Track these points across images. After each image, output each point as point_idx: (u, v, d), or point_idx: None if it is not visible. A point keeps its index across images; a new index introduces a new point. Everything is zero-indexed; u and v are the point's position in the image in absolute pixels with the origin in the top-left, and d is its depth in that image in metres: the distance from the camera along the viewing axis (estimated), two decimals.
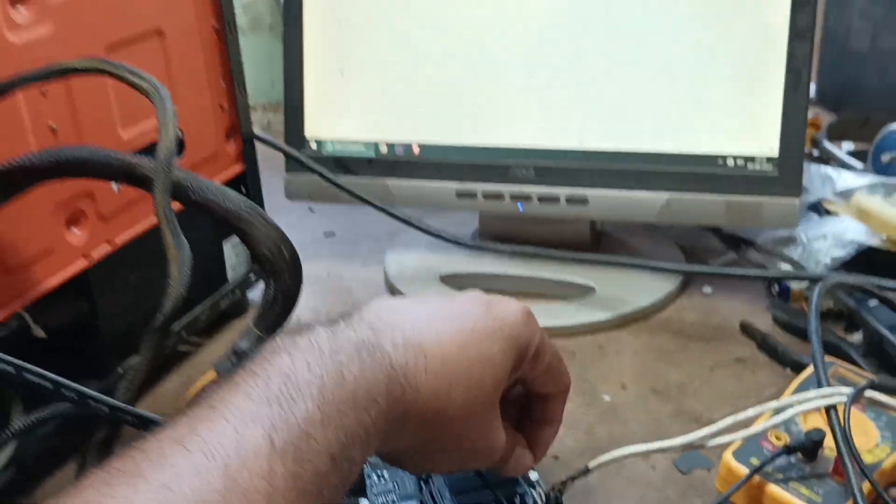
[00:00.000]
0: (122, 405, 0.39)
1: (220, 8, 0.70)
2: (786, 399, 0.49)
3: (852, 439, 0.46)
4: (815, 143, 0.93)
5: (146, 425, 0.41)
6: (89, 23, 0.59)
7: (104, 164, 0.48)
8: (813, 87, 1.18)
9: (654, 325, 0.72)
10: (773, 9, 0.67)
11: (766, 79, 0.68)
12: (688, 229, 0.83)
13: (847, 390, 0.48)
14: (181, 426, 0.32)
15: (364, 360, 0.37)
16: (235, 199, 0.51)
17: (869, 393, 0.49)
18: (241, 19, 1.33)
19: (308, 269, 0.85)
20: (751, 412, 0.48)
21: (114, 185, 0.61)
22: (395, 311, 0.42)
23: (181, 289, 0.42)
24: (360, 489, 0.52)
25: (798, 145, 0.68)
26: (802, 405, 0.48)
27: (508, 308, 0.45)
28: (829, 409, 0.47)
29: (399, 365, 0.39)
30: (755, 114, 0.69)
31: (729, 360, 0.67)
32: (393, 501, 0.52)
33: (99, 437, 0.42)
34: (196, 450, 0.31)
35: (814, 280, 0.59)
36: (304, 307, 0.79)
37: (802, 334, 0.67)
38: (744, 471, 0.49)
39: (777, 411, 0.48)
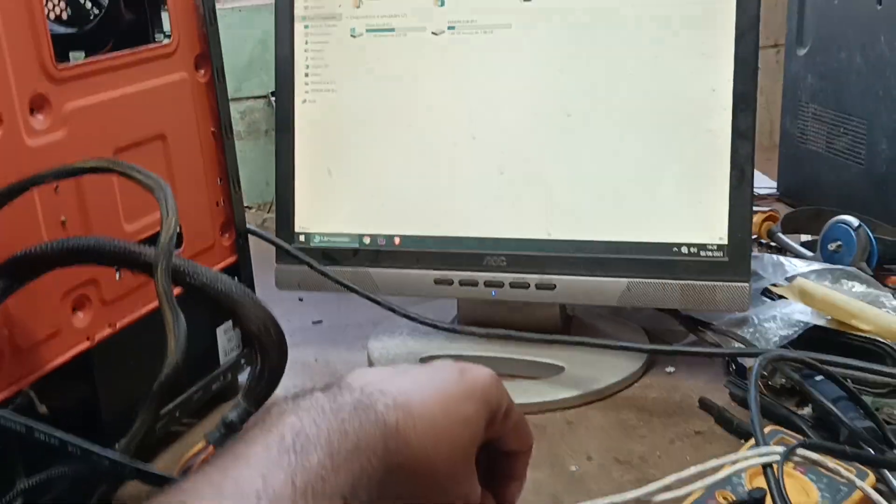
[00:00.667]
0: (122, 459, 0.44)
1: (218, 114, 0.78)
2: (726, 458, 0.53)
3: (787, 493, 0.50)
4: (771, 235, 0.99)
5: (143, 478, 0.46)
6: (99, 128, 0.65)
7: (111, 252, 0.54)
8: (775, 185, 1.26)
9: (619, 401, 0.77)
10: (716, 114, 0.75)
11: (713, 175, 0.75)
12: (652, 314, 0.89)
13: (781, 450, 0.52)
14: (213, 473, 0.37)
15: (361, 418, 0.42)
16: (227, 283, 0.57)
17: (803, 452, 0.54)
18: (239, 125, 1.42)
19: (297, 355, 0.90)
20: (693, 470, 0.53)
21: (116, 274, 0.67)
22: (382, 378, 0.47)
23: (178, 356, 0.48)
24: None
25: (745, 234, 0.74)
26: (740, 463, 0.52)
27: (479, 373, 0.50)
28: (766, 468, 0.52)
29: (391, 423, 0.44)
30: (705, 206, 0.75)
31: (688, 433, 0.71)
32: None
33: (100, 491, 0.47)
34: (230, 490, 0.36)
35: (756, 355, 0.64)
36: (294, 390, 0.84)
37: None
38: None
39: (717, 469, 0.52)
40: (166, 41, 0.74)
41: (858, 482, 0.55)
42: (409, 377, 0.48)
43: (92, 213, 0.65)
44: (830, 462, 0.54)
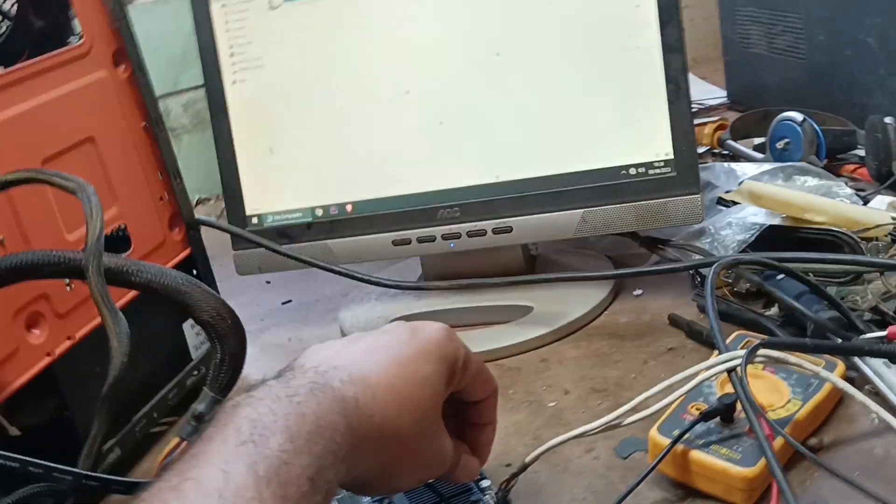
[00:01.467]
0: (84, 472, 0.43)
1: (146, 108, 0.76)
2: (690, 370, 0.54)
3: (753, 394, 0.51)
4: (722, 143, 0.99)
5: (108, 487, 0.45)
6: (23, 140, 0.64)
7: (44, 264, 0.53)
8: (723, 93, 1.26)
9: (591, 331, 0.77)
10: (643, 30, 0.74)
11: (649, 93, 0.74)
12: (615, 240, 0.89)
13: (743, 353, 0.53)
14: (172, 476, 0.36)
15: (318, 397, 0.42)
16: (173, 276, 0.57)
17: (765, 351, 0.54)
18: (184, 118, 1.40)
19: (270, 338, 0.91)
20: (661, 386, 0.53)
21: (67, 286, 0.66)
22: (334, 354, 0.47)
23: (122, 357, 0.47)
24: None
25: (689, 146, 0.74)
26: (702, 374, 0.52)
27: (431, 330, 0.50)
28: (731, 373, 0.52)
29: (350, 398, 0.43)
30: (646, 125, 0.75)
31: (661, 351, 0.72)
32: None
33: None
34: (191, 490, 0.35)
35: (710, 264, 0.64)
36: (271, 373, 0.84)
37: (724, 317, 0.72)
38: (668, 442, 0.54)
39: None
40: (79, 42, 0.72)
41: (825, 374, 0.55)
42: (361, 347, 0.48)
43: (29, 227, 0.64)
44: (793, 357, 0.54)
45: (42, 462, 0.43)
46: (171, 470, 0.37)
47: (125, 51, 0.75)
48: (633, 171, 0.76)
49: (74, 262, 0.52)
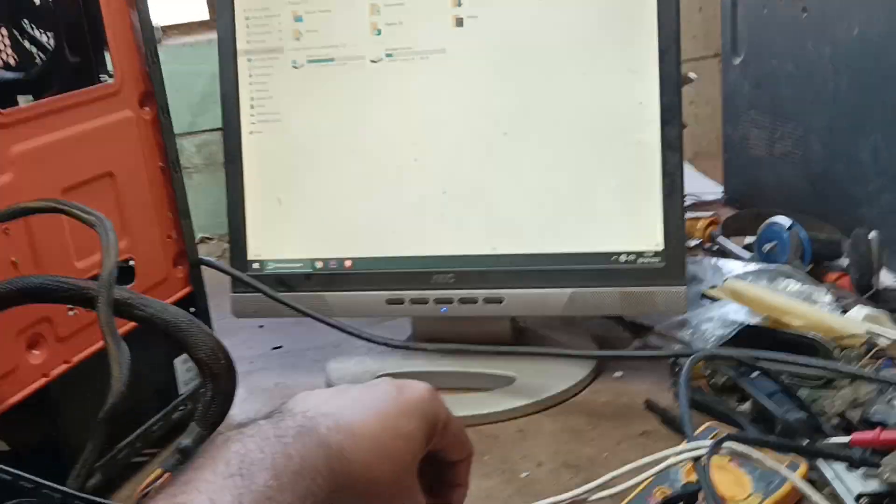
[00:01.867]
0: (73, 491, 0.45)
1: (165, 149, 0.80)
2: (659, 454, 0.56)
3: (715, 485, 0.53)
4: (712, 238, 1.02)
5: None
6: (46, 169, 0.67)
7: (57, 290, 0.55)
8: (720, 189, 1.30)
9: (569, 407, 0.80)
10: (645, 126, 0.78)
11: (645, 185, 0.78)
12: (601, 322, 0.91)
13: (710, 443, 0.55)
14: (161, 500, 0.38)
15: (305, 441, 0.44)
16: (174, 312, 0.59)
17: (731, 444, 0.56)
18: (196, 158, 1.44)
19: (257, 381, 0.93)
20: (629, 466, 0.55)
21: (70, 311, 0.68)
22: (323, 401, 0.49)
23: (122, 385, 0.49)
24: None
25: (679, 240, 0.78)
26: (670, 459, 0.55)
27: (416, 389, 0.52)
28: (696, 461, 0.55)
29: (334, 445, 0.45)
30: (640, 215, 0.78)
31: (635, 434, 0.74)
32: None
33: None
34: None
35: (688, 355, 0.67)
36: (254, 416, 0.86)
37: (699, 407, 0.74)
38: None
39: (651, 465, 0.55)
40: (110, 81, 0.76)
41: (787, 472, 0.57)
42: (348, 398, 0.50)
43: (43, 252, 0.66)
44: (757, 453, 0.56)
45: (33, 478, 0.45)
46: (161, 493, 0.39)
47: (153, 93, 0.79)
48: (623, 258, 0.79)
49: (84, 291, 0.55)
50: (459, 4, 0.82)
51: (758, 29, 1.17)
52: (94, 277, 0.70)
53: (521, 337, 0.89)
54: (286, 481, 0.41)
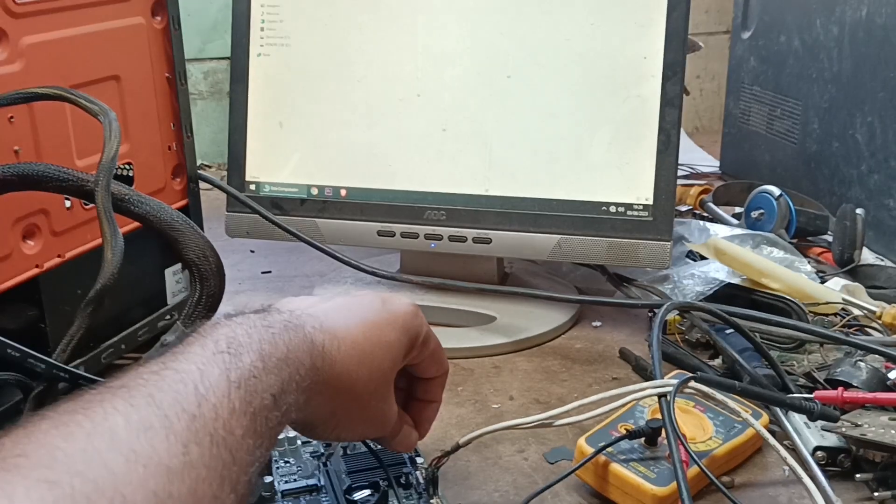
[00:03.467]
0: (58, 363, 0.47)
1: (173, 60, 0.80)
2: (624, 389, 0.58)
3: (676, 421, 0.55)
4: (703, 205, 1.04)
5: (77, 383, 0.49)
6: (54, 64, 0.68)
7: (57, 177, 0.57)
8: (717, 163, 1.32)
9: (546, 350, 0.81)
10: (646, 81, 0.79)
11: (641, 139, 0.79)
12: (585, 273, 0.93)
13: (675, 382, 0.57)
14: (154, 365, 0.40)
15: (291, 334, 0.46)
16: (170, 212, 0.61)
17: (696, 385, 0.58)
18: (202, 85, 1.45)
19: (243, 301, 0.94)
20: (594, 398, 0.57)
21: (66, 203, 0.70)
22: (310, 305, 0.51)
23: (113, 267, 0.51)
24: (267, 471, 0.60)
25: (669, 196, 0.79)
26: (636, 394, 0.57)
27: (400, 303, 0.54)
28: (661, 398, 0.56)
29: (318, 343, 0.47)
30: (632, 168, 0.80)
31: (606, 379, 0.76)
32: (295, 480, 0.60)
33: (35, 392, 0.50)
34: (170, 377, 0.39)
35: (660, 306, 0.68)
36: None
37: (671, 360, 0.76)
38: (592, 451, 0.58)
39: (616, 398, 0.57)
40: None
41: (747, 417, 0.59)
42: (334, 304, 0.52)
43: (44, 144, 0.67)
44: (721, 396, 0.58)
45: (20, 347, 0.46)
46: (154, 360, 0.40)
47: (164, 3, 0.79)
48: (613, 208, 0.80)
49: (82, 182, 0.56)
50: None
51: (770, 5, 1.17)
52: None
53: (505, 281, 0.91)
54: (271, 365, 0.43)
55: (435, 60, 0.84)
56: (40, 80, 0.66)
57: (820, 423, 0.62)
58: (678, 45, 0.78)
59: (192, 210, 0.84)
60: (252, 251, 1.05)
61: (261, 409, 0.41)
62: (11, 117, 0.64)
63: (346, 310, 0.51)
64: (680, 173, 1.17)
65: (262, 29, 0.89)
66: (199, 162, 1.37)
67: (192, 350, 0.41)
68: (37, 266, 0.68)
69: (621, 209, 0.80)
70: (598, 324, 0.86)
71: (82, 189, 0.60)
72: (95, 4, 0.73)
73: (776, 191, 0.94)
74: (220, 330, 0.44)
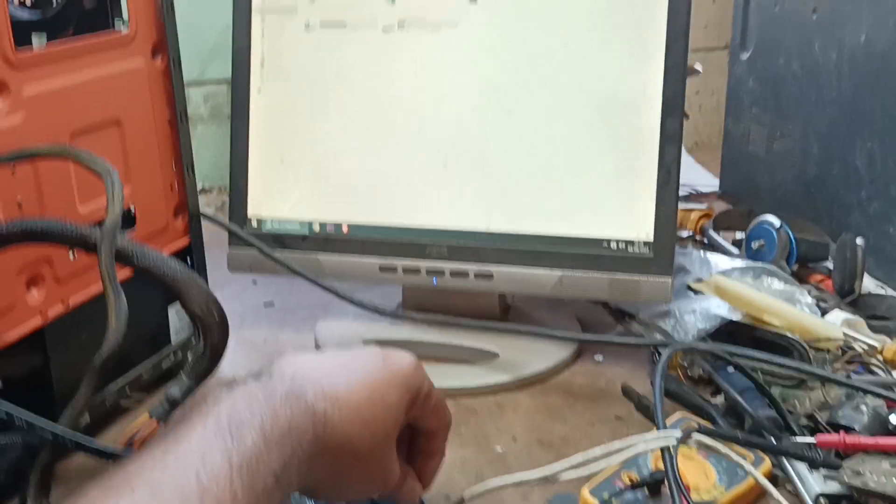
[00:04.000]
0: (65, 430, 0.47)
1: (174, 100, 0.81)
2: (629, 440, 0.58)
3: (681, 474, 0.55)
4: (703, 232, 1.04)
5: (85, 450, 0.49)
6: (56, 112, 0.68)
7: (62, 233, 0.57)
8: (717, 182, 1.32)
9: (548, 386, 0.82)
10: (646, 116, 0.79)
11: (641, 174, 0.79)
12: (586, 305, 0.93)
13: (679, 433, 0.57)
14: (156, 450, 0.41)
15: (293, 405, 0.46)
16: (173, 265, 0.61)
17: (699, 437, 0.58)
18: (202, 109, 1.45)
19: (247, 335, 0.95)
20: (597, 451, 0.57)
21: (70, 254, 0.70)
22: (310, 366, 0.51)
23: (118, 335, 0.51)
24: None
25: (670, 231, 0.79)
26: (639, 446, 0.57)
27: (401, 360, 0.54)
28: (663, 450, 0.57)
29: (320, 411, 0.48)
30: (633, 204, 0.80)
31: (609, 417, 0.76)
32: None
33: (41, 460, 0.50)
34: (172, 466, 0.39)
35: (666, 346, 0.69)
36: (242, 369, 0.87)
37: (673, 396, 0.76)
38: (596, 502, 0.58)
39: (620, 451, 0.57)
40: (125, 29, 0.77)
41: (749, 468, 0.60)
42: (335, 364, 0.52)
43: (47, 194, 0.68)
44: (724, 447, 0.58)
45: (29, 415, 0.47)
46: (152, 445, 0.41)
47: (165, 43, 0.79)
48: (613, 244, 0.81)
49: (86, 237, 0.57)
50: None
51: (768, 26, 1.17)
52: (98, 223, 0.71)
53: (507, 313, 0.91)
54: (273, 443, 0.43)
55: (436, 97, 0.84)
56: (42, 130, 0.67)
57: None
58: (677, 79, 0.79)
59: (194, 249, 0.85)
60: (254, 282, 1.06)
61: (263, 490, 0.41)
62: (14, 170, 0.64)
63: (346, 370, 0.52)
64: (680, 194, 1.17)
65: (262, 64, 0.89)
66: (199, 186, 1.37)
67: (193, 433, 0.41)
68: (41, 315, 0.68)
69: (622, 245, 0.80)
70: (600, 358, 0.86)
71: (86, 243, 0.60)
72: (96, 50, 0.73)
73: (776, 221, 0.95)
74: (222, 406, 0.44)
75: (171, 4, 0.79)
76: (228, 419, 0.43)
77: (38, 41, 0.72)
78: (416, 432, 0.58)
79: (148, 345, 0.81)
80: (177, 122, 0.82)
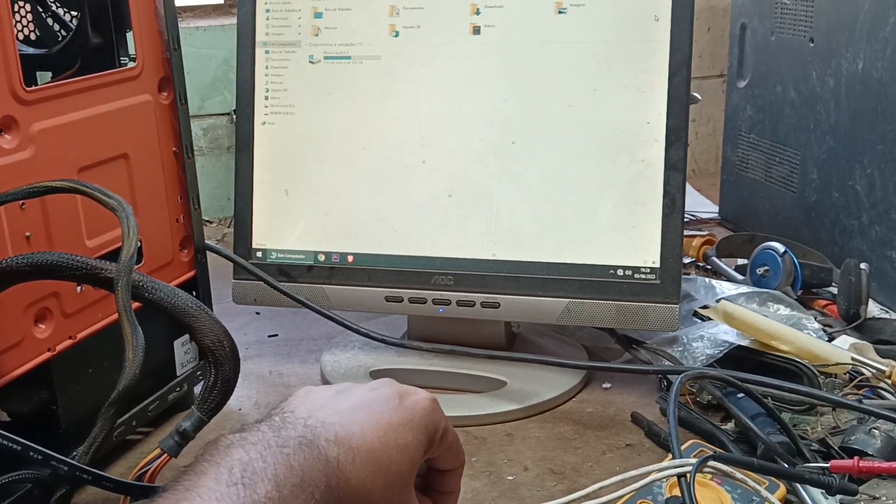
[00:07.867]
0: (80, 465, 0.47)
1: (180, 135, 0.81)
2: (644, 469, 0.58)
3: (696, 501, 0.55)
4: (706, 258, 1.04)
5: (99, 483, 0.49)
6: (64, 148, 0.69)
7: (74, 268, 0.57)
8: (716, 208, 1.32)
9: (557, 415, 0.81)
10: (650, 146, 0.80)
11: (646, 203, 0.80)
12: (592, 332, 0.93)
13: (695, 461, 0.57)
14: (168, 501, 0.40)
15: (305, 453, 0.45)
16: (184, 298, 0.61)
17: (714, 464, 0.58)
18: (202, 141, 1.45)
19: (252, 367, 0.94)
20: (614, 479, 0.57)
21: (78, 288, 0.70)
22: (323, 406, 0.50)
23: (135, 368, 0.51)
24: None
25: (675, 259, 0.80)
26: (654, 474, 0.57)
27: (418, 399, 0.53)
28: (680, 478, 0.57)
29: (332, 459, 0.47)
30: (639, 232, 0.80)
31: (620, 446, 0.76)
32: None
33: (57, 496, 0.50)
34: None
35: (677, 373, 0.69)
36: (248, 401, 0.87)
37: (683, 424, 0.76)
38: None
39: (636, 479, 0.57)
40: (131, 64, 0.77)
41: (766, 493, 0.60)
42: (349, 404, 0.50)
43: (56, 228, 0.68)
44: (739, 474, 0.58)
45: (44, 450, 0.46)
46: (164, 497, 0.40)
47: (171, 79, 0.80)
48: (620, 272, 0.81)
49: (96, 271, 0.56)
50: (478, 13, 0.84)
51: (765, 55, 1.19)
52: (105, 256, 0.71)
53: (514, 342, 0.91)
54: (287, 493, 0.42)
55: (440, 127, 0.85)
56: (51, 165, 0.67)
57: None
58: (680, 110, 0.79)
59: (200, 281, 0.85)
60: (258, 313, 1.05)
61: None
62: (23, 204, 0.64)
63: (361, 412, 0.50)
64: None
65: (266, 98, 0.89)
66: None
67: (205, 483, 0.41)
68: (49, 350, 0.68)
69: (629, 272, 0.81)
70: (608, 385, 0.86)
71: (96, 277, 0.60)
72: (104, 86, 0.73)
73: (780, 247, 0.95)
74: (234, 454, 0.43)
75: (178, 40, 0.80)
76: (241, 468, 0.42)
77: (42, 77, 0.73)
78: (431, 470, 0.57)
79: (154, 379, 0.80)
80: (183, 155, 0.82)
